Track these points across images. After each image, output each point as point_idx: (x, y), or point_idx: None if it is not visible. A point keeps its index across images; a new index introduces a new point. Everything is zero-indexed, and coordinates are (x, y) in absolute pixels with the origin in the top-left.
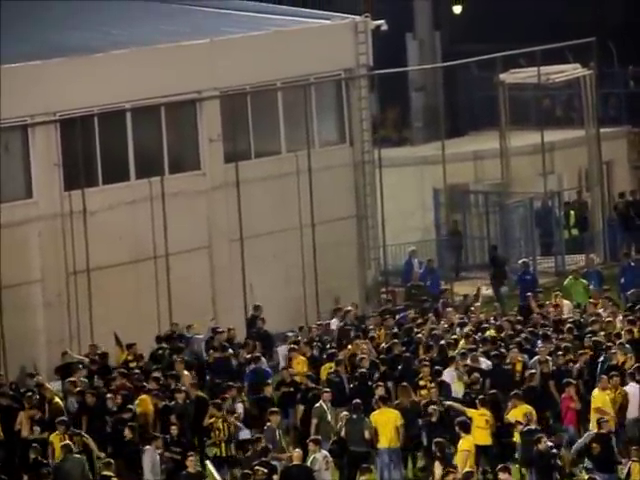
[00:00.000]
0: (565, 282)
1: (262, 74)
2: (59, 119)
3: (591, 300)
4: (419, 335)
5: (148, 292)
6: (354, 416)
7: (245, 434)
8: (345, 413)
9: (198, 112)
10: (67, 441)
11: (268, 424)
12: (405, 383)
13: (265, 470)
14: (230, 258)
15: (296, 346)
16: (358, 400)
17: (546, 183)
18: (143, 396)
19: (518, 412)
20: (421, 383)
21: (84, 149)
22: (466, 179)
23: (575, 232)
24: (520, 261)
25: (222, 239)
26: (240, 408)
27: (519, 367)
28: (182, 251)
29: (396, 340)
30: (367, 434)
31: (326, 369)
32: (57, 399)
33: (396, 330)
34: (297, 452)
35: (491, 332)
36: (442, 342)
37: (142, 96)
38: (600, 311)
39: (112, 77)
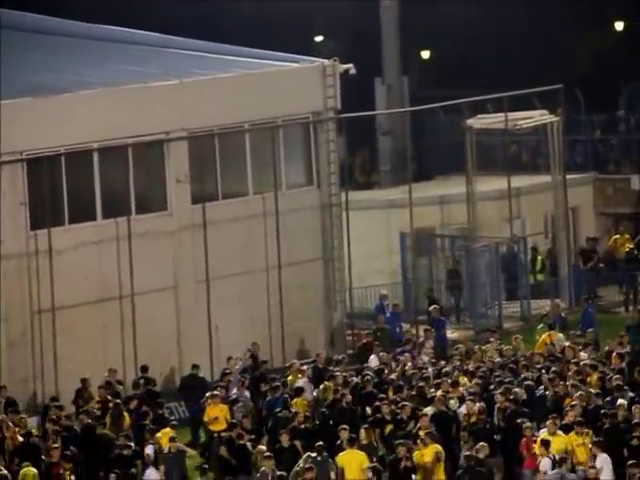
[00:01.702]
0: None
1: (230, 116)
2: (26, 158)
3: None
4: (391, 376)
5: (113, 332)
6: (318, 458)
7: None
8: (308, 454)
9: (166, 153)
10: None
11: (262, 469)
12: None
13: None
14: (196, 299)
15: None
16: (321, 442)
17: (512, 228)
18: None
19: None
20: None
21: (51, 188)
22: (433, 223)
23: (541, 277)
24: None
25: (188, 280)
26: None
27: None
28: (148, 291)
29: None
30: (332, 475)
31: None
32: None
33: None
34: None
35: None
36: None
37: (110, 136)
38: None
39: (80, 117)
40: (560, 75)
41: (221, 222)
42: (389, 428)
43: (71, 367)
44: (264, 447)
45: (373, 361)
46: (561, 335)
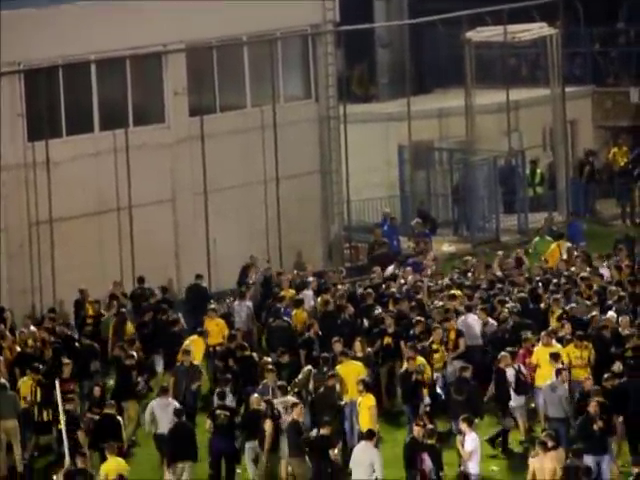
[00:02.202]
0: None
1: (229, 28)
2: (23, 69)
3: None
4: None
5: (111, 244)
6: (324, 368)
7: None
8: (309, 368)
9: (164, 65)
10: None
11: (264, 381)
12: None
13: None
14: (194, 212)
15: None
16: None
17: (510, 141)
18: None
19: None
20: (434, 347)
21: (48, 100)
22: (431, 136)
23: (540, 190)
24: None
25: (186, 192)
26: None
27: None
28: (146, 204)
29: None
30: (337, 387)
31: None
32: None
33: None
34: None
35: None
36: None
37: (108, 48)
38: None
39: (78, 29)
40: None
41: (219, 135)
42: (387, 340)
43: (69, 279)
44: (269, 359)
45: (389, 271)
46: (570, 244)
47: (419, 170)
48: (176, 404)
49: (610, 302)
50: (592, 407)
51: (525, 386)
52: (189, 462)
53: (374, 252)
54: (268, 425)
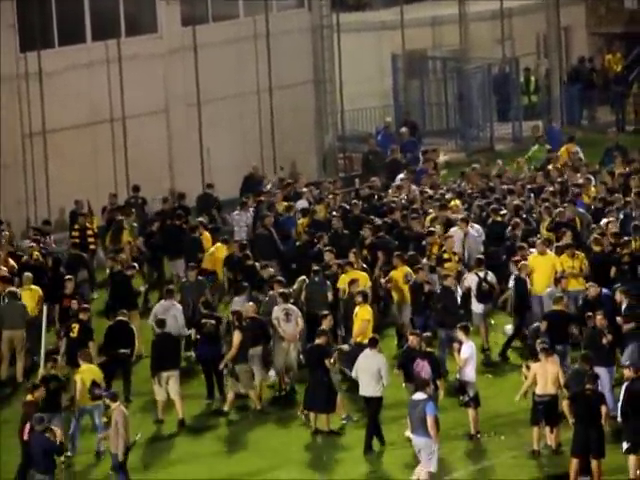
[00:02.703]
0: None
1: None
2: None
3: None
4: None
5: (105, 155)
6: (315, 279)
7: None
8: (303, 278)
9: None
10: (13, 288)
11: (271, 292)
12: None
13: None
14: (187, 122)
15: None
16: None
17: (504, 49)
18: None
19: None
20: (445, 256)
21: (40, 10)
22: (424, 45)
23: (535, 98)
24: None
25: (179, 103)
26: None
27: None
28: (139, 114)
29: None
30: (330, 296)
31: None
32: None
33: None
34: (251, 305)
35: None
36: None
37: None
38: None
39: None
40: None
41: (212, 45)
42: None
43: (63, 190)
44: (272, 270)
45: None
46: (578, 148)
47: (413, 79)
48: (179, 307)
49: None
50: (599, 320)
51: (487, 295)
52: (173, 371)
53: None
54: (236, 336)
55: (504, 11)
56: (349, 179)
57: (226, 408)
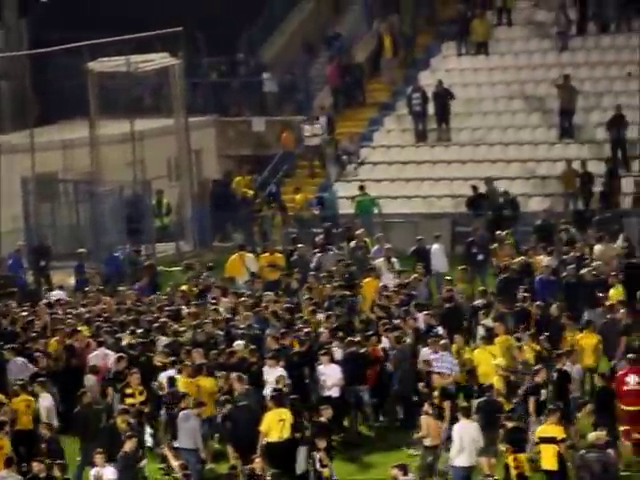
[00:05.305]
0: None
1: None
2: None
3: None
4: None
5: None
6: None
7: None
8: None
9: None
10: None
11: None
12: None
13: None
14: None
15: None
16: None
17: (135, 172)
18: None
19: None
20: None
21: None
22: (55, 168)
23: (167, 220)
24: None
25: None
26: None
27: None
28: None
29: None
30: None
31: None
32: None
33: None
34: None
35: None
36: None
37: None
38: None
39: None
40: (182, 18)
41: None
42: None
43: None
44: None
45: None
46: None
47: (44, 202)
48: None
49: None
50: None
51: None
52: None
53: None
54: None
55: (135, 134)
56: None
57: None
